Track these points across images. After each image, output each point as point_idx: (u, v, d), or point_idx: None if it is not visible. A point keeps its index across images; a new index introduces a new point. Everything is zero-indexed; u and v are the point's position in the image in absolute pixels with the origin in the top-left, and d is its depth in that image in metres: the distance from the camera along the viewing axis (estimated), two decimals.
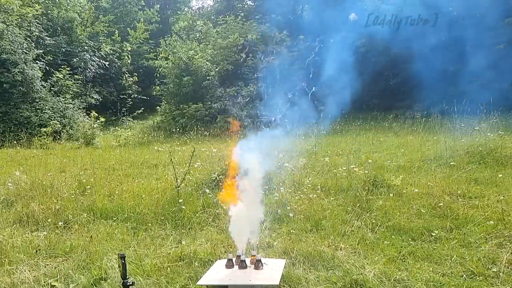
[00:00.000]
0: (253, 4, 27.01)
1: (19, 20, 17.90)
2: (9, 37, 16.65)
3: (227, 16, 21.24)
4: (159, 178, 7.72)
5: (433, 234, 4.59)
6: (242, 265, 3.70)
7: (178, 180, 6.19)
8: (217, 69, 18.44)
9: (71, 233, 5.16)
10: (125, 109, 21.36)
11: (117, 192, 6.44)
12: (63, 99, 17.86)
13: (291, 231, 4.92)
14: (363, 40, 17.75)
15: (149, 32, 26.99)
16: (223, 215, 5.32)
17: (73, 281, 3.91)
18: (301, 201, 5.86)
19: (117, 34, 25.24)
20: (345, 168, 7.19)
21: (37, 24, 19.42)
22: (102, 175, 7.95)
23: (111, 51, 24.08)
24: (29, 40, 17.93)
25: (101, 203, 5.96)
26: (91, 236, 4.80)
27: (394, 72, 19.27)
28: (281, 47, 17.82)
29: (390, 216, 5.16)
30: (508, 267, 3.79)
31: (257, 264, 3.69)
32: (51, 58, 19.78)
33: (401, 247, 4.36)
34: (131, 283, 3.08)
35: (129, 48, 25.13)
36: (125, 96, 23.05)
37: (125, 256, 3.05)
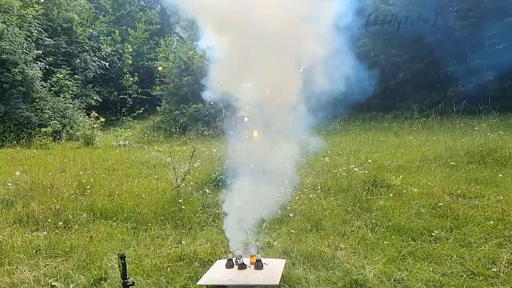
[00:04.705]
0: None
1: (19, 20, 17.89)
2: (9, 37, 16.65)
3: None
4: (159, 178, 7.72)
5: (433, 234, 4.59)
6: (242, 265, 3.71)
7: (178, 180, 6.19)
8: None
9: (71, 233, 5.16)
10: (125, 109, 21.37)
11: (117, 192, 6.44)
12: (63, 99, 17.87)
13: (291, 231, 4.92)
14: (365, 40, 17.79)
15: (149, 32, 27.00)
16: (222, 215, 5.33)
17: (73, 281, 3.91)
18: (301, 201, 5.86)
19: (117, 34, 25.24)
20: (345, 168, 7.19)
21: (37, 25, 19.41)
22: (102, 175, 7.95)
23: (112, 52, 24.08)
24: (29, 40, 17.92)
25: (101, 203, 5.96)
26: (91, 236, 4.80)
27: (394, 72, 19.29)
28: None
29: (390, 216, 5.16)
30: (508, 267, 3.79)
31: (257, 264, 3.69)
32: (51, 59, 19.78)
33: (401, 247, 4.36)
34: (131, 283, 3.08)
35: (130, 50, 25.13)
36: (125, 96, 23.04)
37: (125, 256, 3.05)
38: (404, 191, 6.00)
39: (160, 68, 19.62)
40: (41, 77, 17.67)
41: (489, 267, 3.83)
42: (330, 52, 3.85)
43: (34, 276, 4.00)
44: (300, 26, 3.71)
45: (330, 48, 3.84)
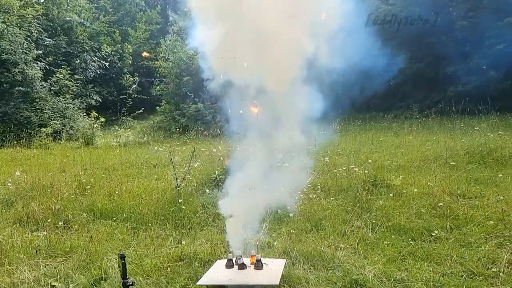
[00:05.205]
0: None
1: (19, 20, 17.90)
2: (9, 37, 16.67)
3: None
4: (159, 178, 7.72)
5: (433, 234, 4.59)
6: (242, 265, 3.70)
7: (178, 180, 6.19)
8: None
9: (71, 233, 5.16)
10: (125, 109, 21.38)
11: (117, 192, 6.44)
12: (63, 99, 17.88)
13: (291, 231, 4.92)
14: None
15: (149, 32, 27.00)
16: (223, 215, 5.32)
17: (73, 281, 3.91)
18: (301, 201, 5.86)
19: (117, 34, 25.23)
20: (345, 168, 7.19)
21: (37, 25, 19.43)
22: (102, 175, 7.95)
23: (112, 52, 24.09)
24: (29, 40, 17.94)
25: (101, 203, 5.96)
26: (91, 236, 4.80)
27: (394, 72, 19.28)
28: None
29: (390, 216, 5.16)
30: (508, 267, 3.79)
31: (257, 264, 3.69)
32: (51, 59, 19.80)
33: (401, 247, 4.36)
34: (131, 283, 3.08)
35: (130, 50, 25.14)
36: (125, 96, 23.08)
37: (125, 256, 3.05)
38: (404, 191, 6.00)
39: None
40: (41, 77, 17.69)
41: (489, 267, 3.83)
42: (330, 40, 3.84)
43: (34, 276, 4.00)
44: (301, 13, 3.70)
45: (330, 36, 3.84)
